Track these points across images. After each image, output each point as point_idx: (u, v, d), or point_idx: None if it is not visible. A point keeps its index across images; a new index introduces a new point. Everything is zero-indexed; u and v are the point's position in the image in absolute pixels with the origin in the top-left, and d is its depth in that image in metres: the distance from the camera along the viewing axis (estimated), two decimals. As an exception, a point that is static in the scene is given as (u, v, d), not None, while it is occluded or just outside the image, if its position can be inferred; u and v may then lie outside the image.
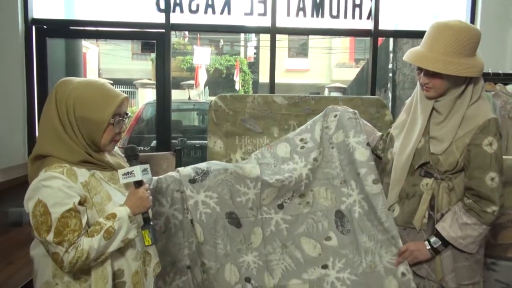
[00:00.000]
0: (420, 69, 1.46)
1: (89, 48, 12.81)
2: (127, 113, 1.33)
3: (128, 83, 13.63)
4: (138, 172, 1.26)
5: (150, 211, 1.34)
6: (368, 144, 1.70)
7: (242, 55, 17.55)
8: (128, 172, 1.26)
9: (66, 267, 1.15)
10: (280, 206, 1.72)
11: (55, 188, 1.15)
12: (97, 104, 1.23)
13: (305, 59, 18.29)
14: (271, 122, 2.16)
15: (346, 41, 17.92)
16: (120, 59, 15.07)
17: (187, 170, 1.69)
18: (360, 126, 1.75)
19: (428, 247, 1.48)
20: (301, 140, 1.84)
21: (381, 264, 1.59)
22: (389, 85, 8.21)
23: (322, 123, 1.83)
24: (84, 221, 1.18)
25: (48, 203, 1.14)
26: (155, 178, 1.64)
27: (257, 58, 17.09)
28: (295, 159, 1.79)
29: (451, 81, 1.42)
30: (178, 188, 1.66)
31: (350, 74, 14.70)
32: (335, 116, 1.81)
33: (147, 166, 1.31)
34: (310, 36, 16.90)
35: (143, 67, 15.73)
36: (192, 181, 1.67)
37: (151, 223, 1.29)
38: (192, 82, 11.17)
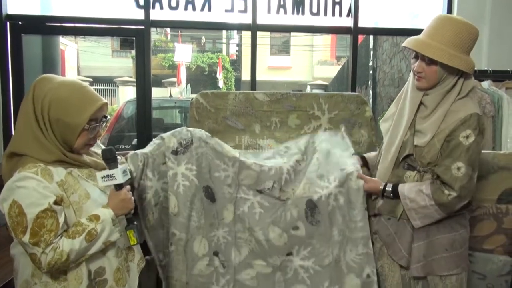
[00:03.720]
0: (416, 57, 1.49)
1: (68, 45, 12.55)
2: (106, 116, 1.31)
3: (108, 81, 13.42)
4: (119, 175, 1.25)
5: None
6: (354, 154, 1.75)
7: (224, 52, 17.48)
8: (108, 175, 1.25)
9: (44, 267, 1.14)
10: (260, 192, 1.72)
11: (29, 188, 1.13)
12: (73, 108, 1.21)
13: (287, 56, 18.37)
14: (253, 119, 2.16)
15: (327, 38, 18.06)
16: (100, 57, 14.81)
17: (172, 141, 1.66)
18: (347, 144, 1.81)
19: (381, 187, 1.56)
20: (285, 147, 1.89)
21: (344, 260, 1.62)
22: (369, 82, 8.32)
23: (309, 139, 1.89)
24: (61, 220, 1.17)
25: (23, 204, 1.12)
26: (143, 150, 1.63)
27: (239, 56, 17.07)
28: (276, 159, 1.81)
29: (444, 73, 1.45)
30: (164, 161, 1.65)
31: (331, 71, 14.85)
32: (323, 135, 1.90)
33: (126, 167, 1.30)
34: (292, 34, 16.98)
35: (123, 65, 15.50)
36: (175, 152, 1.66)
37: (135, 222, 1.29)
38: (174, 79, 11.08)
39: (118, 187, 1.27)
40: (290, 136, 2.18)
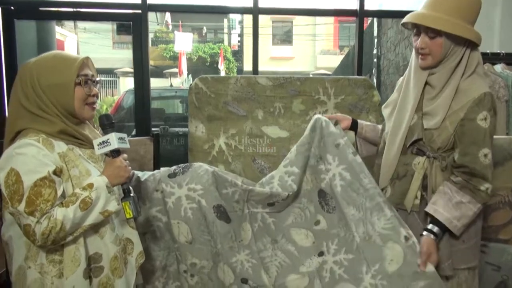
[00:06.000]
0: (417, 34, 1.39)
1: (67, 36, 12.43)
2: (94, 76, 1.29)
3: (108, 72, 13.31)
4: (114, 140, 1.20)
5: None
6: (336, 123, 1.57)
7: (226, 42, 17.34)
8: (103, 141, 1.21)
9: (39, 239, 1.10)
10: (271, 204, 1.57)
11: (28, 155, 1.11)
12: (59, 68, 1.20)
13: (289, 46, 18.26)
14: (255, 104, 2.08)
15: (330, 27, 17.89)
16: (100, 48, 14.68)
17: (168, 169, 1.57)
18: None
19: (432, 236, 1.37)
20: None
21: (375, 233, 1.44)
22: (374, 70, 8.19)
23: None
24: (59, 192, 1.14)
25: (21, 171, 1.10)
26: (138, 173, 1.56)
27: (241, 46, 16.94)
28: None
29: (450, 45, 1.35)
30: (157, 187, 1.53)
31: (334, 61, 14.68)
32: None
33: (124, 135, 1.25)
34: (294, 23, 16.81)
35: (124, 56, 15.33)
36: (172, 175, 1.54)
37: (132, 194, 1.24)
38: (175, 70, 10.96)
39: (114, 154, 1.23)
40: (294, 123, 2.12)
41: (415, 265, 1.37)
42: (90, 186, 1.16)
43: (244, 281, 1.52)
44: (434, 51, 1.35)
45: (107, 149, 1.20)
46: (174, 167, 1.56)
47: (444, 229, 1.36)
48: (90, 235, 1.21)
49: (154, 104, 5.64)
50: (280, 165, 1.63)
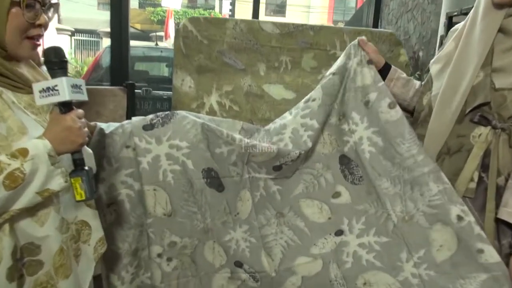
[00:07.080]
0: None
1: (46, -10, 11.63)
2: (51, 2, 0.89)
3: (91, 32, 12.60)
4: (64, 87, 0.82)
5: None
6: (370, 61, 1.27)
7: (217, 9, 16.77)
8: (48, 88, 0.83)
9: None
10: (277, 168, 1.26)
11: None
12: None
13: (282, 18, 17.80)
14: (257, 56, 1.74)
15: (325, 0, 17.41)
16: (84, 7, 13.90)
17: (142, 119, 1.22)
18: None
19: None
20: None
21: (418, 212, 1.17)
22: (373, 44, 7.91)
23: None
24: None
25: None
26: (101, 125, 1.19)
27: (232, 16, 16.44)
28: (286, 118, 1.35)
29: None
30: (127, 143, 1.18)
31: (328, 35, 14.35)
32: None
33: (80, 81, 0.87)
34: (289, -7, 16.19)
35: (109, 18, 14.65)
36: (149, 127, 1.19)
37: (86, 168, 0.88)
38: (162, 33, 10.42)
39: (64, 108, 0.86)
40: (303, 82, 1.78)
41: (473, 251, 1.09)
42: (24, 153, 0.80)
43: (238, 264, 1.24)
44: None
45: (54, 99, 0.83)
46: (150, 116, 1.20)
47: None
48: (22, 219, 0.86)
49: (137, 67, 5.20)
50: (296, 113, 1.30)
